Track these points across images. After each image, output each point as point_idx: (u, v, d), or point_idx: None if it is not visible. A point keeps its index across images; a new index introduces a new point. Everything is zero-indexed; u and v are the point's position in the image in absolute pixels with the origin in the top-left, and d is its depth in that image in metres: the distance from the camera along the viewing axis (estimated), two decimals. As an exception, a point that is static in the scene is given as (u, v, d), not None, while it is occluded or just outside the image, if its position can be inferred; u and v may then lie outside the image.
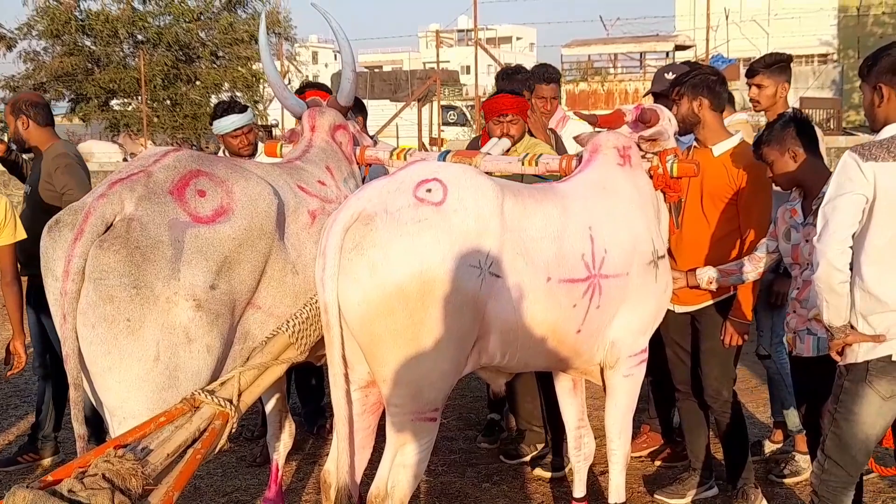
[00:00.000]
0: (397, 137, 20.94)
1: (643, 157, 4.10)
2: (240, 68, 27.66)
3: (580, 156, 4.13)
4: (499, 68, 9.41)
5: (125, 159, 16.33)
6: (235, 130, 5.68)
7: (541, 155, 4.28)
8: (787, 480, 4.89)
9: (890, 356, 3.21)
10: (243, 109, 5.89)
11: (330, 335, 3.24)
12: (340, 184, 4.08)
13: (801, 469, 4.86)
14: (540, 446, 5.26)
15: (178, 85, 26.46)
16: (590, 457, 4.29)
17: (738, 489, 4.52)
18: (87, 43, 26.71)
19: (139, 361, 3.15)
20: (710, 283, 4.26)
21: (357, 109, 4.68)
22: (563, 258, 3.58)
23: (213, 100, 27.05)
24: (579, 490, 4.30)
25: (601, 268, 3.69)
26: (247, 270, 3.41)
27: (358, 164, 4.44)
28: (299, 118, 4.56)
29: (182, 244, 3.23)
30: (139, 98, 24.56)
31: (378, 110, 21.19)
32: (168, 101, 26.14)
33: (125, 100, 26.84)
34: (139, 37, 26.95)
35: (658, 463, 5.21)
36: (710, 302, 4.41)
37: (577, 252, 3.63)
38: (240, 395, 3.25)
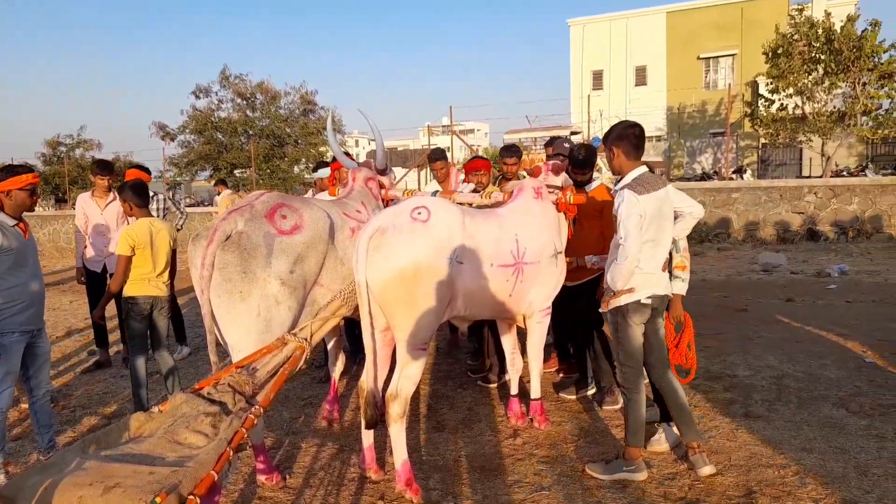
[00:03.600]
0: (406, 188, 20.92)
1: (551, 192, 4.12)
2: (311, 150, 27.51)
3: (511, 192, 4.18)
4: (465, 149, 9.38)
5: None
6: (328, 177, 5.65)
7: (492, 193, 4.33)
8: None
9: (639, 300, 3.39)
10: (327, 165, 5.86)
11: (362, 300, 3.24)
12: (371, 212, 4.07)
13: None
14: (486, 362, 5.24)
15: (273, 161, 26.30)
16: (520, 370, 4.27)
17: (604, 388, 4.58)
18: (219, 136, 26.51)
19: (248, 317, 3.15)
20: (593, 265, 4.30)
21: (388, 171, 4.67)
22: (499, 252, 3.60)
23: (296, 170, 27.00)
24: (514, 390, 4.28)
25: (523, 258, 3.70)
26: (312, 262, 3.41)
27: (383, 200, 4.41)
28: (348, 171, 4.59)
29: (272, 247, 3.23)
30: (250, 169, 24.39)
31: (394, 173, 21.25)
32: (268, 171, 25.98)
33: (242, 170, 26.65)
34: (250, 132, 26.78)
35: (560, 375, 5.22)
36: (587, 280, 4.44)
37: (507, 249, 3.64)
38: (311, 336, 3.24)
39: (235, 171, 26.77)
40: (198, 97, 26.48)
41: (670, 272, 3.83)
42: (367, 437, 3.52)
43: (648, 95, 30.78)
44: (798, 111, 20.62)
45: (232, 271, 3.11)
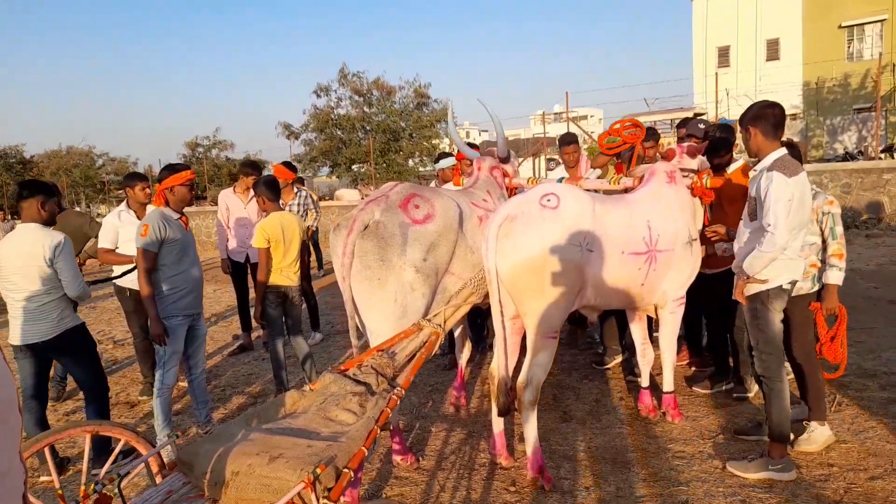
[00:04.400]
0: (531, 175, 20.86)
1: (685, 176, 3.97)
2: (424, 143, 28.03)
3: (641, 177, 4.07)
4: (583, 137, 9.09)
5: (361, 198, 16.81)
6: (450, 167, 5.79)
7: (621, 178, 4.21)
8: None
9: (780, 286, 3.23)
10: (450, 155, 5.96)
11: (493, 288, 3.29)
12: (496, 201, 4.09)
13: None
14: (618, 358, 5.16)
15: (389, 155, 27.03)
16: (650, 361, 4.15)
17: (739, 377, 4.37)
18: (339, 133, 27.61)
19: (385, 302, 3.29)
20: (724, 252, 4.07)
21: (511, 159, 4.66)
22: (631, 239, 3.51)
23: (410, 163, 27.64)
24: (645, 382, 4.18)
25: (656, 245, 3.60)
26: (443, 250, 3.49)
27: (508, 188, 4.42)
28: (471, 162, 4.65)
29: (407, 236, 3.35)
30: (368, 163, 25.27)
31: (517, 161, 21.27)
32: (385, 165, 26.76)
33: (360, 165, 27.61)
34: (367, 127, 27.68)
35: (693, 368, 5.02)
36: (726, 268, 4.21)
37: (639, 236, 3.55)
38: (445, 322, 3.33)
39: (353, 166, 27.84)
40: (318, 96, 27.85)
41: (823, 261, 3.57)
42: (498, 423, 3.57)
43: (782, 71, 28.56)
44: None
45: (371, 259, 3.26)
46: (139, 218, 5.14)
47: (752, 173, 3.42)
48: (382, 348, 3.12)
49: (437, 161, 5.98)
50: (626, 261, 3.49)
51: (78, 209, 10.91)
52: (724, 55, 30.56)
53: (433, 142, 28.45)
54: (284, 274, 4.63)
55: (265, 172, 6.82)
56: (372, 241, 3.28)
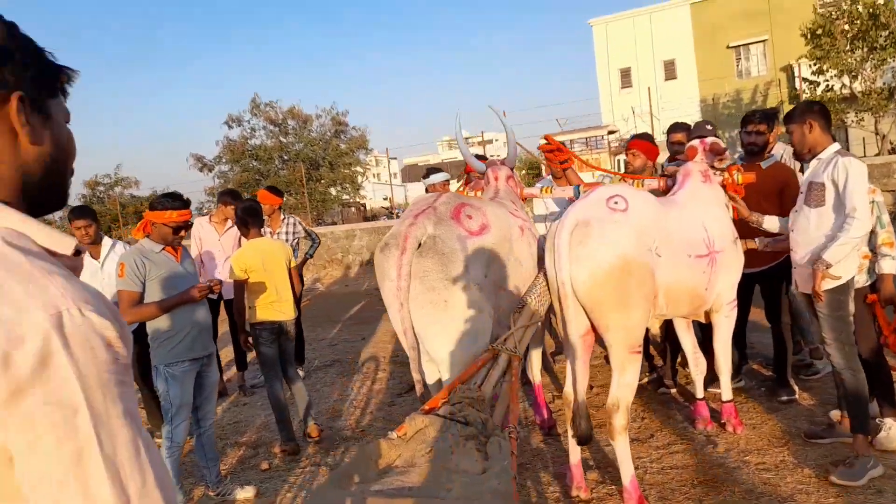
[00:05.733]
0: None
1: (715, 173, 3.82)
2: (344, 170, 27.48)
3: (670, 177, 3.90)
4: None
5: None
6: (440, 182, 5.38)
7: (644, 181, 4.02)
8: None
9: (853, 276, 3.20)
10: (439, 171, 5.56)
11: (567, 302, 2.94)
12: (521, 210, 3.81)
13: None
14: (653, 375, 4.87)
15: (310, 184, 26.26)
16: (704, 371, 3.90)
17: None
18: (255, 163, 26.60)
19: (454, 327, 2.87)
20: (766, 247, 3.94)
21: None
22: (693, 241, 3.29)
23: (333, 191, 26.94)
24: (700, 394, 3.92)
25: (714, 246, 3.40)
26: (499, 264, 3.12)
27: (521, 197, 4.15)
28: (480, 174, 4.32)
29: (467, 250, 2.96)
30: (294, 194, 24.42)
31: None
32: (307, 194, 25.98)
33: (285, 195, 26.64)
34: (285, 157, 26.84)
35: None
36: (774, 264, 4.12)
37: (699, 237, 3.34)
38: (518, 345, 2.96)
39: (275, 197, 26.70)
40: (230, 127, 26.65)
41: (873, 250, 3.49)
42: (576, 452, 3.19)
43: (680, 89, 30.29)
44: (846, 91, 20.02)
45: (434, 279, 2.84)
46: (94, 258, 4.44)
47: (814, 162, 3.29)
48: (463, 381, 2.68)
49: (426, 176, 5.58)
50: (692, 265, 3.26)
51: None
52: (626, 76, 32.06)
53: (353, 169, 27.92)
54: (276, 308, 4.11)
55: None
56: (432, 259, 2.85)
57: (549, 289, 3.20)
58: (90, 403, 0.72)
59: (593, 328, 3.07)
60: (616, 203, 3.04)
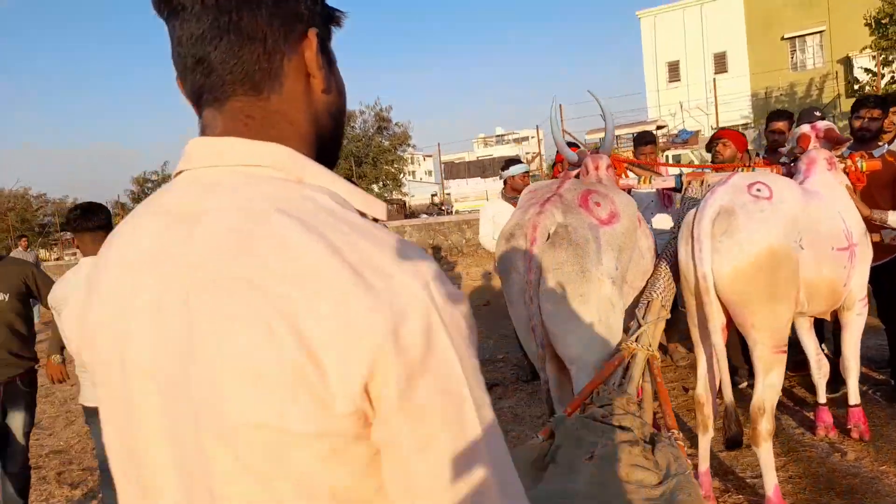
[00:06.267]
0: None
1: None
2: (387, 167, 27.50)
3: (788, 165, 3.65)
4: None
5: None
6: (522, 174, 5.23)
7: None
8: None
9: None
10: (518, 162, 5.40)
11: (709, 297, 2.73)
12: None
13: None
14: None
15: (353, 181, 26.30)
16: (826, 374, 3.66)
17: None
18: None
19: (590, 323, 2.68)
20: (893, 240, 3.66)
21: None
22: (834, 233, 3.05)
23: (375, 188, 26.93)
24: (822, 398, 3.68)
25: (853, 238, 3.15)
26: (627, 255, 2.92)
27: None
28: (575, 164, 4.13)
29: (599, 240, 2.77)
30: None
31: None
32: (351, 190, 26.03)
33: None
34: (330, 154, 26.96)
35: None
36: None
37: (839, 228, 3.09)
38: (651, 343, 2.76)
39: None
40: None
41: None
42: (706, 460, 2.99)
43: (730, 82, 29.43)
44: (914, 82, 19.15)
45: (569, 271, 2.65)
46: None
47: None
48: (602, 381, 2.50)
49: (504, 168, 5.41)
50: (835, 258, 3.02)
51: (14, 255, 9.25)
52: (674, 69, 31.35)
53: (396, 166, 27.89)
54: None
55: None
56: (567, 250, 2.67)
57: (674, 282, 3.01)
58: (472, 392, 0.61)
59: (728, 324, 2.86)
60: (759, 190, 2.83)
